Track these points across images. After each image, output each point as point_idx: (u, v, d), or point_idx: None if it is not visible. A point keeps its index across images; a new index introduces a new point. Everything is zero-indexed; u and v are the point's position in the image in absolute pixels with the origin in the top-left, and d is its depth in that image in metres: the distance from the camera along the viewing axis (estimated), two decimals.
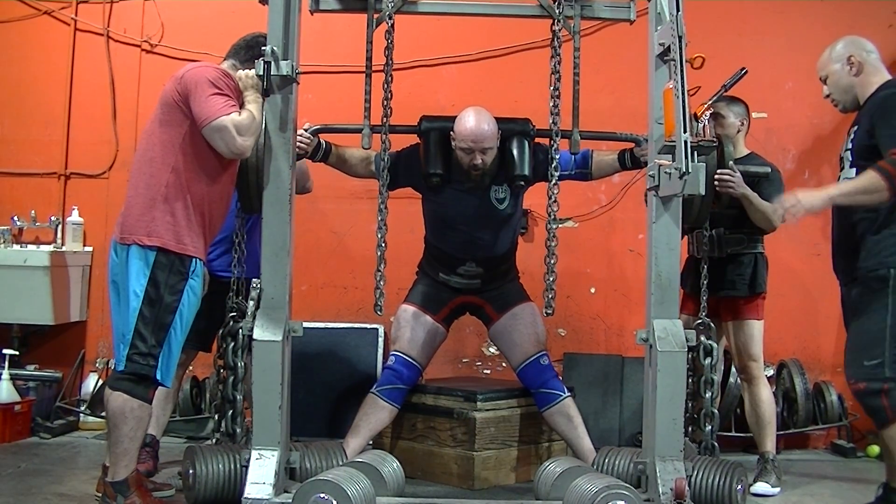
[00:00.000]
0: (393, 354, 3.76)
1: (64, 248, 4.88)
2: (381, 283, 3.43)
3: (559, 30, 3.55)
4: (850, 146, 3.22)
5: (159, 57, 5.06)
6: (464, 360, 5.01)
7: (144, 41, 5.09)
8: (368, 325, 4.69)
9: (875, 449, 4.52)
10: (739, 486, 3.24)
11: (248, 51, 3.34)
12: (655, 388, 3.19)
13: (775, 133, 4.84)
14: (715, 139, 3.58)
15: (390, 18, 3.49)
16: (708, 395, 3.56)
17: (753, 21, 5.01)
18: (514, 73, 4.95)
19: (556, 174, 3.52)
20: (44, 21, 5.18)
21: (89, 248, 5.01)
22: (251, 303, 3.25)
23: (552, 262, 3.50)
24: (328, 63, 4.84)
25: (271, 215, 3.25)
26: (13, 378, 4.56)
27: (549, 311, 3.50)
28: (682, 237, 3.48)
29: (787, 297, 4.80)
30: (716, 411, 3.60)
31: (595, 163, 3.76)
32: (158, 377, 3.10)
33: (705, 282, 3.68)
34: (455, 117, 3.62)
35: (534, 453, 3.97)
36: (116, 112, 5.10)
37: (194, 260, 3.14)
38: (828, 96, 3.30)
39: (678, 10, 3.00)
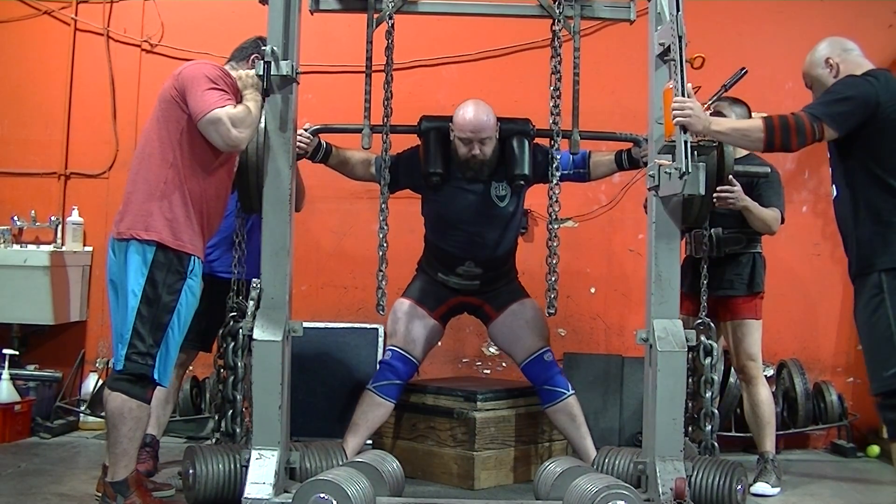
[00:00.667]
0: (389, 349, 3.75)
1: (64, 248, 4.88)
2: (384, 283, 3.43)
3: (559, 30, 3.55)
4: None
5: (159, 57, 5.05)
6: (464, 360, 5.01)
7: (144, 41, 5.09)
8: (368, 325, 4.69)
9: (875, 449, 4.53)
10: (739, 486, 3.24)
11: (242, 52, 3.39)
12: (655, 388, 3.19)
13: None
14: (714, 140, 3.58)
15: (390, 18, 3.49)
16: (708, 394, 3.56)
17: (753, 21, 5.01)
18: (514, 73, 4.95)
19: (557, 174, 3.53)
20: (44, 21, 5.18)
21: (89, 248, 5.01)
22: (251, 303, 3.25)
23: (553, 262, 3.49)
24: (328, 63, 4.84)
25: (271, 215, 3.25)
26: (13, 378, 4.55)
27: (551, 311, 3.52)
28: (681, 237, 3.48)
29: (786, 296, 4.80)
30: (716, 411, 3.60)
31: (592, 163, 3.77)
32: (156, 377, 3.09)
33: (705, 281, 3.68)
34: None
35: (534, 453, 3.97)
36: (116, 112, 5.10)
37: (192, 259, 3.14)
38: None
39: (678, 10, 3.00)
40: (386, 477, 3.22)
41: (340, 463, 3.30)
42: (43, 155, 5.14)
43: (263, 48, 3.24)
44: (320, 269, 5.03)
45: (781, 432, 4.40)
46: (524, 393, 3.98)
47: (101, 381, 4.68)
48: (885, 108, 2.93)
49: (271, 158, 3.25)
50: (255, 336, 3.18)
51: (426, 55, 4.97)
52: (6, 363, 4.55)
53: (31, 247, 4.86)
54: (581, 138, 3.65)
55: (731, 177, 3.70)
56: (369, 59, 3.56)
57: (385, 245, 3.46)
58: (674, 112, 2.94)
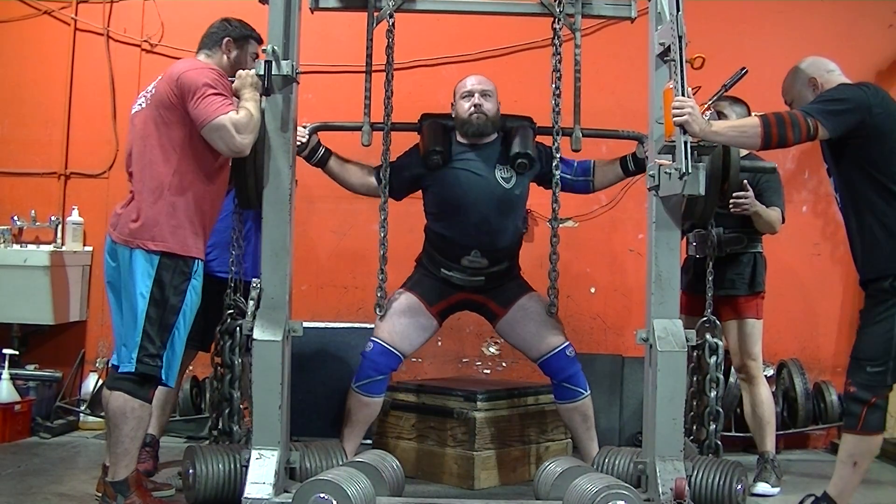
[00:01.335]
0: (372, 341, 3.61)
1: (64, 248, 4.88)
2: (384, 283, 3.44)
3: (560, 28, 3.55)
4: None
5: (159, 57, 5.05)
6: (464, 360, 5.01)
7: (144, 41, 5.10)
8: (368, 325, 4.65)
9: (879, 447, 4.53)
10: (739, 486, 3.24)
11: (212, 38, 3.36)
12: (655, 388, 3.19)
13: None
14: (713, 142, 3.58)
15: (391, 17, 3.49)
16: (713, 393, 3.56)
17: (753, 21, 5.01)
18: (514, 73, 4.95)
19: (558, 172, 3.53)
20: (44, 21, 5.18)
21: (89, 248, 5.01)
22: (251, 303, 3.25)
23: (555, 259, 3.50)
24: (328, 63, 4.84)
25: (271, 215, 3.25)
26: (13, 378, 4.56)
27: (552, 311, 3.53)
28: (682, 237, 3.49)
29: (786, 296, 4.80)
30: (720, 410, 3.60)
31: (597, 172, 3.74)
32: (163, 378, 3.12)
33: (710, 277, 3.68)
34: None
35: (534, 453, 3.97)
36: (116, 112, 5.10)
37: (196, 261, 3.17)
38: None
39: (678, 10, 3.00)
40: (386, 477, 3.21)
41: (340, 463, 3.30)
42: (43, 155, 5.15)
43: (232, 29, 3.28)
44: (320, 269, 5.04)
45: (781, 432, 4.40)
46: (524, 393, 3.98)
47: (101, 381, 4.68)
48: (875, 114, 2.98)
49: (271, 158, 3.25)
50: (255, 336, 3.17)
51: (426, 55, 4.97)
52: (6, 363, 4.56)
53: (31, 247, 4.86)
54: (582, 136, 3.65)
55: (745, 181, 3.71)
56: (369, 56, 3.56)
57: (385, 245, 3.46)
58: (674, 112, 2.94)
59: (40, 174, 5.13)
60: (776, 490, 3.78)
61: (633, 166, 3.71)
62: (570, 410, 3.67)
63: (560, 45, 3.53)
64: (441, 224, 3.69)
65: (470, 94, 3.63)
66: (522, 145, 3.62)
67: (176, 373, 3.22)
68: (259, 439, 3.16)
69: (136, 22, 5.12)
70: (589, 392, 3.66)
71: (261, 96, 3.21)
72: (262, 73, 3.09)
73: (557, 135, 3.54)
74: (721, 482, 3.23)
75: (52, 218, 5.01)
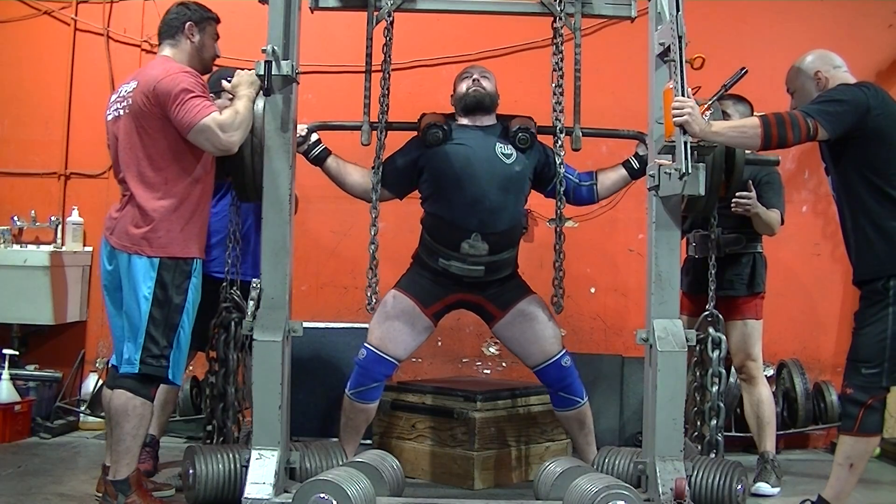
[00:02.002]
0: (365, 347, 3.54)
1: (64, 248, 4.88)
2: (376, 284, 3.49)
3: (560, 27, 3.55)
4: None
5: None
6: (464, 360, 5.01)
7: (144, 41, 5.09)
8: (368, 326, 4.68)
9: (875, 450, 4.53)
10: (739, 486, 3.24)
11: (170, 27, 3.33)
12: (655, 388, 3.19)
13: None
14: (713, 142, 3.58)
15: (389, 16, 3.49)
16: (715, 388, 3.56)
17: (753, 21, 5.02)
18: (514, 73, 4.94)
19: (562, 171, 3.53)
20: (44, 21, 5.18)
21: (89, 248, 5.01)
22: (251, 303, 3.25)
23: (560, 258, 3.51)
24: (328, 63, 4.84)
25: (271, 215, 3.24)
26: (13, 378, 4.56)
27: (557, 310, 3.54)
28: (682, 237, 3.49)
29: (786, 297, 4.81)
30: (722, 405, 3.59)
31: (600, 177, 3.69)
32: (170, 377, 3.13)
33: (713, 271, 3.67)
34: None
35: (534, 453, 3.97)
36: None
37: (195, 259, 3.20)
38: (794, 109, 3.29)
39: (678, 10, 3.00)
40: (386, 477, 3.21)
41: (340, 463, 3.30)
42: (43, 155, 5.15)
43: (191, 13, 3.28)
44: (320, 269, 5.04)
45: (781, 432, 4.40)
46: (524, 393, 3.98)
47: (100, 382, 4.68)
48: (874, 115, 2.99)
49: (271, 158, 3.25)
50: (255, 336, 3.18)
51: (426, 55, 4.97)
52: (6, 363, 4.56)
53: (31, 247, 4.87)
54: (583, 135, 3.63)
55: (749, 182, 3.71)
56: (369, 56, 3.55)
57: (375, 244, 3.49)
58: (674, 112, 2.94)
59: (40, 174, 5.13)
60: (776, 490, 3.78)
61: (638, 165, 3.63)
62: (567, 418, 3.66)
63: (561, 45, 3.53)
64: (439, 205, 3.58)
65: (469, 74, 3.66)
66: (523, 123, 3.61)
67: (183, 371, 3.25)
68: (259, 439, 3.16)
69: (136, 22, 5.12)
70: (586, 400, 3.63)
71: (257, 95, 3.21)
72: (261, 72, 3.09)
73: (560, 134, 3.54)
74: (721, 482, 3.23)
75: (52, 218, 5.01)
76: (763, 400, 3.88)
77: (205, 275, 3.68)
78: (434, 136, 3.55)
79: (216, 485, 3.20)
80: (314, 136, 3.62)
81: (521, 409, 3.95)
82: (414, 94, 4.72)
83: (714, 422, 3.58)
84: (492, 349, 4.93)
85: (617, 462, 3.43)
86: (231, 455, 3.23)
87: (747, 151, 3.52)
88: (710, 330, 3.60)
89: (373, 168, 3.56)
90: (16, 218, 4.97)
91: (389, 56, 3.48)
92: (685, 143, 2.94)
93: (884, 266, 3.01)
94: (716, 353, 3.57)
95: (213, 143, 3.08)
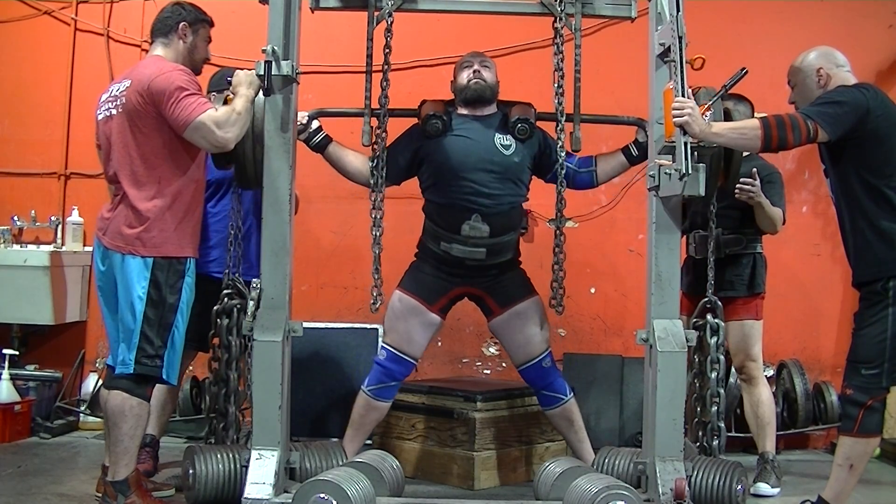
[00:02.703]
0: (384, 348, 3.61)
1: (64, 248, 4.88)
2: (380, 284, 3.47)
3: (561, 27, 3.54)
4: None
5: None
6: (464, 360, 5.01)
7: (144, 41, 5.07)
8: (368, 326, 4.68)
9: (875, 450, 4.53)
10: (739, 487, 3.24)
11: (165, 25, 3.33)
12: (655, 388, 3.19)
13: None
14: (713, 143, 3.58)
15: (390, 16, 3.48)
16: (713, 374, 3.55)
17: (753, 21, 5.01)
18: (514, 73, 4.92)
19: (563, 157, 3.53)
20: (44, 21, 5.18)
21: (89, 248, 4.99)
22: (251, 303, 3.25)
23: (560, 258, 3.51)
24: (328, 63, 4.84)
25: (271, 215, 3.25)
26: (13, 378, 4.56)
27: (559, 310, 3.56)
28: (682, 237, 3.48)
29: (786, 297, 4.81)
30: (722, 391, 3.59)
31: (599, 163, 3.70)
32: (165, 376, 3.13)
33: (712, 263, 3.67)
34: None
35: (534, 453, 3.97)
36: None
37: (189, 259, 3.20)
38: (793, 103, 3.29)
39: (678, 11, 3.00)
40: (386, 477, 3.22)
41: (340, 463, 3.30)
42: (43, 155, 5.15)
43: (186, 14, 3.28)
44: (320, 269, 5.03)
45: (781, 432, 4.40)
46: (524, 393, 3.98)
47: (100, 382, 4.68)
48: (874, 117, 2.99)
49: (271, 158, 3.25)
50: (255, 336, 3.18)
51: (426, 55, 4.97)
52: (6, 363, 4.56)
53: (31, 247, 4.86)
54: (582, 121, 3.63)
55: (754, 170, 3.71)
56: (369, 56, 3.54)
57: (380, 230, 3.47)
58: (674, 113, 2.94)
59: (40, 174, 5.13)
60: (776, 490, 3.78)
61: (637, 151, 3.65)
62: (554, 416, 3.70)
63: (562, 45, 3.52)
64: (439, 193, 3.59)
65: (469, 63, 3.65)
66: (523, 113, 3.61)
67: (178, 370, 3.24)
68: (259, 439, 3.16)
69: (136, 22, 5.11)
70: (571, 396, 3.67)
71: (256, 95, 3.20)
72: (261, 73, 3.09)
73: (560, 116, 3.52)
74: (721, 482, 3.23)
75: (52, 218, 5.01)
76: (763, 400, 3.88)
77: (204, 275, 3.69)
78: (434, 126, 3.57)
79: (216, 485, 3.20)
80: (315, 123, 3.62)
81: (521, 409, 3.95)
82: (414, 94, 4.69)
83: (714, 408, 3.57)
84: (492, 349, 4.93)
85: (617, 462, 3.43)
86: (231, 455, 3.23)
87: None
88: (709, 317, 3.60)
89: (371, 159, 3.53)
90: (16, 218, 4.97)
91: (388, 56, 3.47)
92: (685, 144, 2.94)
93: (883, 267, 3.01)
94: (714, 339, 3.57)
95: (208, 140, 3.08)
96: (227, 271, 3.62)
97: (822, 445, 4.87)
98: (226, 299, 3.56)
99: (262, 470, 3.10)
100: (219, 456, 3.23)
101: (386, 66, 3.48)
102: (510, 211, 3.60)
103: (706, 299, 3.62)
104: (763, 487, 3.76)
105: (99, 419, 4.54)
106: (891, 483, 4.08)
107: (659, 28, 3.25)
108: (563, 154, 3.56)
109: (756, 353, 3.89)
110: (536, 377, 3.66)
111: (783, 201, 3.90)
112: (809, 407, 4.64)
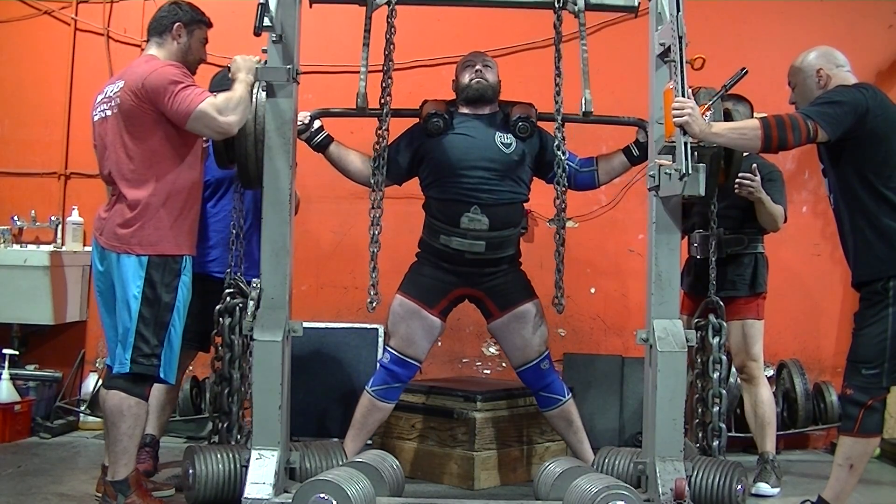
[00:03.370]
0: (388, 351, 3.64)
1: (64, 248, 4.88)
2: (375, 275, 3.46)
3: (560, 11, 3.47)
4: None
5: None
6: (464, 360, 5.01)
7: (144, 41, 5.02)
8: (368, 325, 4.69)
9: (875, 450, 4.53)
10: (739, 487, 3.24)
11: (161, 24, 3.32)
12: (655, 388, 3.19)
13: None
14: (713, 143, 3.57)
15: (390, 4, 3.44)
16: (716, 374, 3.55)
17: (753, 21, 5.02)
18: (514, 73, 4.92)
19: (564, 156, 3.52)
20: (44, 21, 5.18)
21: (89, 248, 4.96)
22: (251, 303, 3.26)
23: (561, 253, 3.50)
24: (328, 63, 4.84)
25: (271, 215, 3.25)
26: (13, 378, 4.56)
27: (558, 309, 3.54)
28: (683, 237, 3.48)
29: (787, 297, 4.80)
30: (724, 391, 3.59)
31: (601, 163, 3.71)
32: (162, 375, 3.13)
33: (713, 263, 3.67)
34: None
35: (534, 453, 3.97)
36: None
37: (185, 257, 3.20)
38: (793, 103, 3.29)
39: (678, 11, 3.00)
40: (386, 477, 3.22)
41: (340, 463, 3.30)
42: (43, 155, 5.15)
43: (182, 14, 3.27)
44: (320, 269, 5.03)
45: (781, 432, 4.40)
46: (524, 393, 3.98)
47: (100, 381, 4.68)
48: (873, 117, 2.99)
49: (271, 158, 3.25)
50: (255, 336, 3.18)
51: (426, 55, 4.97)
52: (6, 363, 4.56)
53: (31, 247, 4.86)
54: (582, 121, 3.61)
55: (754, 166, 3.71)
56: (367, 32, 3.45)
57: (378, 229, 3.45)
58: (674, 113, 2.94)
59: (40, 174, 5.13)
60: (776, 490, 3.78)
61: (637, 151, 3.65)
62: (553, 417, 3.70)
63: (559, 25, 3.46)
64: (439, 189, 3.61)
65: (471, 63, 3.67)
66: (524, 112, 3.63)
67: (175, 369, 3.23)
68: (259, 439, 3.16)
69: (136, 22, 5.10)
70: (569, 397, 3.68)
71: (255, 81, 3.19)
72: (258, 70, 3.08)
73: (561, 134, 3.51)
74: (721, 483, 3.23)
75: (52, 218, 5.00)
76: (763, 400, 3.88)
77: (205, 275, 3.69)
78: (435, 125, 3.58)
79: (216, 485, 3.20)
80: (317, 123, 3.63)
81: (521, 409, 3.95)
82: (414, 94, 4.69)
83: (716, 409, 3.57)
84: (492, 349, 4.93)
85: (617, 462, 3.43)
86: (231, 455, 3.23)
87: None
88: (711, 317, 3.60)
89: (373, 160, 3.49)
90: (16, 218, 4.97)
91: (391, 38, 3.42)
92: (685, 144, 2.94)
93: (883, 267, 3.01)
94: (716, 339, 3.57)
95: (211, 128, 3.07)
96: (228, 270, 3.63)
97: (822, 445, 4.87)
98: (228, 298, 3.57)
99: (262, 470, 3.10)
100: (219, 456, 3.23)
101: (387, 67, 3.45)
102: (510, 206, 3.61)
103: (709, 300, 3.62)
104: (763, 487, 3.76)
105: (99, 419, 4.54)
106: (891, 483, 4.08)
107: (659, 28, 3.25)
108: (564, 154, 3.54)
109: (757, 353, 3.89)
110: (534, 379, 3.66)
111: (784, 199, 3.90)
112: (809, 407, 4.64)
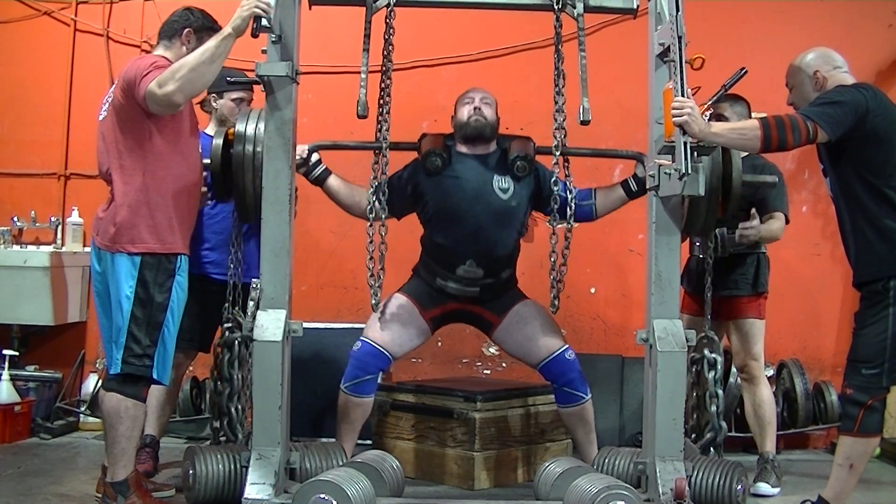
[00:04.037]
0: (360, 340, 3.61)
1: (64, 249, 4.88)
2: (379, 287, 3.47)
3: (559, 12, 3.46)
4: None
5: None
6: (464, 361, 5.01)
7: (144, 41, 5.09)
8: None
9: (875, 450, 4.53)
10: (739, 487, 3.24)
11: (171, 27, 3.31)
12: (655, 388, 3.19)
13: None
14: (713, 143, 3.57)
15: (389, 7, 3.44)
16: (713, 408, 3.57)
17: (753, 21, 5.01)
18: (514, 73, 4.95)
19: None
20: (44, 21, 5.18)
21: (89, 249, 4.98)
22: (251, 303, 3.25)
23: (566, 253, 3.51)
24: (328, 63, 4.84)
25: (271, 215, 3.24)
26: (13, 378, 4.56)
27: (552, 310, 3.53)
28: (685, 238, 3.47)
29: (787, 296, 4.80)
30: (724, 424, 3.61)
31: (598, 196, 3.72)
32: (155, 376, 3.12)
33: (709, 289, 3.68)
34: None
35: (534, 453, 3.97)
36: None
37: (179, 256, 3.18)
38: (791, 104, 3.29)
39: (678, 10, 3.00)
40: (386, 477, 3.21)
41: (340, 463, 3.30)
42: (43, 155, 5.14)
43: (194, 20, 3.26)
44: (320, 269, 5.03)
45: (781, 432, 4.40)
46: (524, 393, 3.98)
47: (100, 382, 4.68)
48: (873, 117, 2.99)
49: (271, 158, 3.25)
50: (255, 336, 3.17)
51: (426, 55, 4.97)
52: (6, 364, 4.56)
53: (31, 247, 4.86)
54: (580, 155, 3.64)
55: (753, 210, 3.74)
56: (366, 50, 3.45)
57: (378, 249, 3.46)
58: (673, 112, 2.94)
59: (40, 174, 5.13)
60: (776, 490, 3.78)
61: (636, 187, 3.64)
62: (570, 416, 3.67)
63: (560, 25, 3.46)
64: (437, 232, 3.69)
65: (470, 99, 3.68)
66: (522, 149, 3.63)
67: (169, 370, 3.22)
68: (259, 440, 3.16)
69: (136, 22, 5.12)
70: (590, 397, 3.65)
71: (233, 35, 3.02)
72: (262, 73, 3.07)
73: (562, 139, 3.50)
74: (721, 482, 3.23)
75: (52, 218, 5.00)
76: (764, 400, 3.88)
77: (203, 276, 3.70)
78: (433, 164, 3.62)
79: (216, 485, 3.20)
80: (315, 157, 3.65)
81: (521, 409, 3.95)
82: (414, 95, 4.72)
83: (711, 435, 3.59)
84: (492, 349, 4.92)
85: (617, 462, 3.43)
86: (231, 455, 3.23)
87: (745, 176, 3.48)
88: (706, 352, 3.62)
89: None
90: (16, 218, 4.97)
91: (391, 40, 3.43)
92: (685, 144, 2.94)
93: (884, 267, 3.01)
94: (711, 373, 3.60)
95: (158, 104, 3.00)
96: (226, 305, 3.62)
97: (822, 445, 4.87)
98: (227, 333, 3.58)
99: (262, 470, 3.10)
100: (219, 456, 3.23)
101: (387, 67, 3.45)
102: (505, 256, 3.69)
103: (703, 335, 3.65)
104: (763, 487, 3.76)
105: (99, 420, 4.53)
106: (891, 483, 4.08)
107: (659, 28, 3.25)
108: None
109: (758, 353, 3.89)
110: (560, 372, 3.60)
111: (786, 203, 3.91)
112: (809, 407, 4.64)
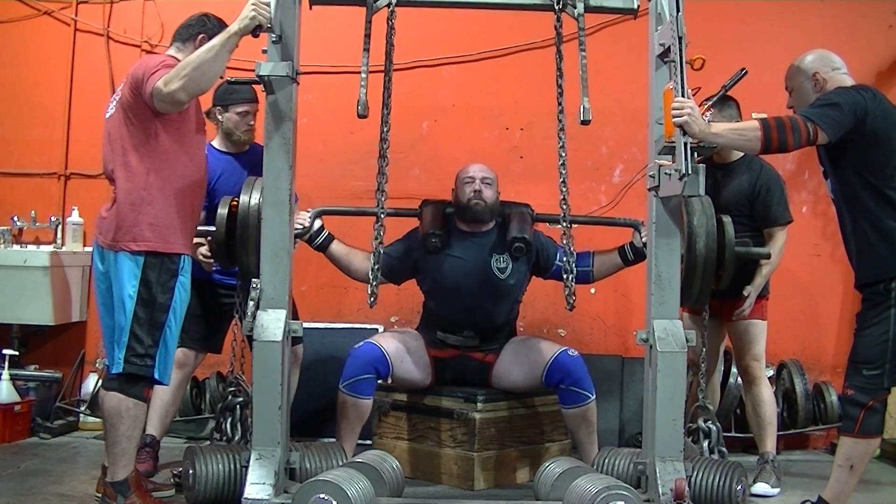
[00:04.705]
0: (365, 341, 3.71)
1: (64, 249, 4.88)
2: (378, 272, 3.44)
3: (560, 12, 3.45)
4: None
5: None
6: None
7: (144, 41, 5.09)
8: (368, 326, 4.69)
9: (876, 450, 4.52)
10: (739, 487, 3.24)
11: (188, 30, 3.30)
12: (655, 388, 3.19)
13: None
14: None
15: (390, 6, 3.44)
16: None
17: (753, 21, 5.01)
18: (514, 73, 4.95)
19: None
20: (44, 21, 5.17)
21: (89, 249, 4.96)
22: (251, 303, 3.25)
23: (569, 252, 3.49)
24: (328, 63, 4.84)
25: (271, 215, 3.24)
26: (13, 378, 4.55)
27: (568, 308, 3.53)
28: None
29: (787, 297, 4.80)
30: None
31: (596, 261, 3.84)
32: (156, 376, 3.12)
33: (706, 317, 3.72)
34: None
35: (534, 454, 3.96)
36: None
37: (182, 257, 3.17)
38: (791, 107, 3.29)
39: (678, 11, 3.00)
40: (386, 477, 3.21)
41: (340, 463, 3.30)
42: (43, 155, 5.14)
43: (210, 27, 3.25)
44: (320, 269, 5.01)
45: (781, 433, 4.39)
46: (524, 394, 3.97)
47: (100, 382, 4.68)
48: (872, 118, 2.99)
49: (271, 158, 3.25)
50: (255, 336, 3.17)
51: (426, 55, 4.97)
52: (6, 363, 4.55)
53: (31, 247, 4.86)
54: (577, 223, 3.71)
55: (748, 287, 3.76)
56: (367, 37, 3.42)
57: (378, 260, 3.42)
58: (673, 113, 2.94)
59: (40, 174, 5.13)
60: (776, 491, 3.78)
61: (632, 254, 3.78)
62: (574, 416, 3.69)
63: (560, 26, 3.46)
64: (436, 303, 3.85)
65: (472, 179, 3.74)
66: (520, 230, 3.71)
67: (171, 370, 3.22)
68: (259, 440, 3.16)
69: (136, 22, 5.12)
70: (594, 397, 3.68)
71: (237, 35, 3.04)
72: (262, 74, 3.07)
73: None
74: (721, 483, 3.23)
75: (52, 218, 5.00)
76: (764, 400, 3.88)
77: (210, 280, 3.70)
78: (433, 245, 3.71)
79: (216, 485, 3.20)
80: (318, 223, 3.72)
81: (520, 409, 3.94)
82: (414, 95, 4.72)
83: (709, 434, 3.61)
84: None
85: (617, 462, 3.43)
86: (231, 455, 3.23)
87: (738, 249, 3.45)
88: (700, 422, 3.65)
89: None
90: (16, 218, 4.96)
91: (392, 40, 3.41)
92: (685, 144, 2.94)
93: (885, 268, 3.01)
94: (706, 442, 3.62)
95: (164, 102, 3.01)
96: (230, 370, 3.65)
97: (822, 445, 4.87)
98: (229, 396, 3.61)
99: (262, 470, 3.10)
100: (219, 456, 3.23)
101: (388, 66, 3.44)
102: (504, 324, 3.86)
103: (698, 404, 3.68)
104: (763, 487, 3.76)
105: (99, 419, 4.53)
106: (891, 483, 4.08)
107: (659, 28, 3.24)
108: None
109: (759, 353, 3.89)
110: (567, 369, 3.64)
111: (787, 209, 3.90)
112: (809, 407, 4.64)
